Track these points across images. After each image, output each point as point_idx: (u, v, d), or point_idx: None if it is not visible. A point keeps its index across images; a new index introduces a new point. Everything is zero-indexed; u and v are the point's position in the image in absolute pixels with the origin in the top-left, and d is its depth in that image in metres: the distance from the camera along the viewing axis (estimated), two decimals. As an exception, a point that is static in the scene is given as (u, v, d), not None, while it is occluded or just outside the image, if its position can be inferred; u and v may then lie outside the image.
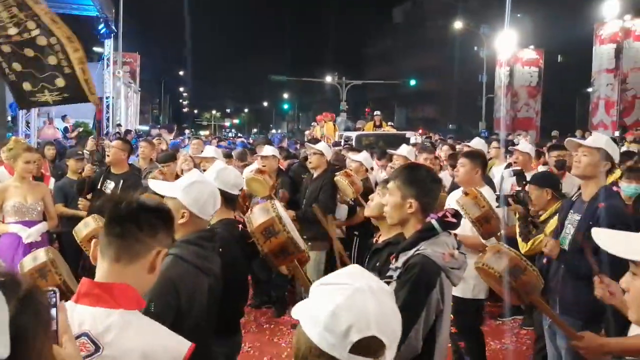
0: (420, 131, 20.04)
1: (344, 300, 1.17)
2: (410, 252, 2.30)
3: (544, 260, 3.51)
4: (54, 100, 5.77)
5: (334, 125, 18.23)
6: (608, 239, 1.47)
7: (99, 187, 5.58)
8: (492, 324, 5.87)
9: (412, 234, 2.39)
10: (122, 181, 5.48)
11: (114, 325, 1.52)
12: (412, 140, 11.21)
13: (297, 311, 1.26)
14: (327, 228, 4.36)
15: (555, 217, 3.77)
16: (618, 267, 2.72)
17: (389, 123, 19.51)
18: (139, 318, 1.60)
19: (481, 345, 4.47)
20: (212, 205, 2.56)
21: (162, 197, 2.81)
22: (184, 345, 1.63)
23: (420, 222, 2.40)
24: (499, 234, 3.75)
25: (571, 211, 3.44)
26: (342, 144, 12.42)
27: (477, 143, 6.78)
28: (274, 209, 2.83)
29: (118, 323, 1.53)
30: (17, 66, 5.56)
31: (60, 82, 5.61)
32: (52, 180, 6.68)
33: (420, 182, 2.44)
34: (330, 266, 5.80)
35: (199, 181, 2.55)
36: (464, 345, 4.45)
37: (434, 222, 2.33)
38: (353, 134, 15.22)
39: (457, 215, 2.40)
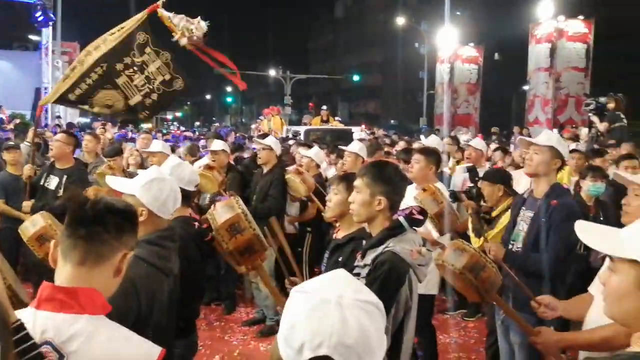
0: (363, 126, 20.15)
1: (302, 314, 1.09)
2: (379, 249, 2.29)
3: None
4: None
5: (281, 119, 18.13)
6: (589, 234, 1.49)
7: (41, 182, 5.28)
8: (440, 318, 5.99)
9: (380, 232, 2.37)
10: (65, 177, 5.20)
11: (80, 332, 1.44)
12: (356, 136, 11.29)
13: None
14: (279, 237, 4.18)
15: (508, 213, 3.86)
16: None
17: (336, 118, 19.44)
18: (107, 324, 1.53)
19: (433, 340, 4.54)
20: (172, 204, 2.48)
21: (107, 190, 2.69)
22: (155, 350, 1.57)
23: (388, 220, 2.39)
24: (455, 229, 3.81)
25: (523, 208, 3.53)
26: (290, 138, 12.37)
27: (432, 140, 6.86)
28: (239, 205, 2.75)
29: (85, 330, 1.45)
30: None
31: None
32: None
33: (389, 180, 2.44)
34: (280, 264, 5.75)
35: (158, 178, 2.46)
36: (417, 340, 4.50)
37: (401, 219, 2.33)
38: (301, 129, 15.25)
39: (422, 212, 2.40)
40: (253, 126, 20.34)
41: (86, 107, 5.02)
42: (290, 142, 10.26)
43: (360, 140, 8.31)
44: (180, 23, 4.76)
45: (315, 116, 19.01)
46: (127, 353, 1.50)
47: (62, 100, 5.01)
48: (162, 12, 4.82)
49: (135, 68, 4.90)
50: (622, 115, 9.67)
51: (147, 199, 2.36)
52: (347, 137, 8.31)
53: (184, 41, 4.78)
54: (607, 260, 1.47)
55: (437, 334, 4.75)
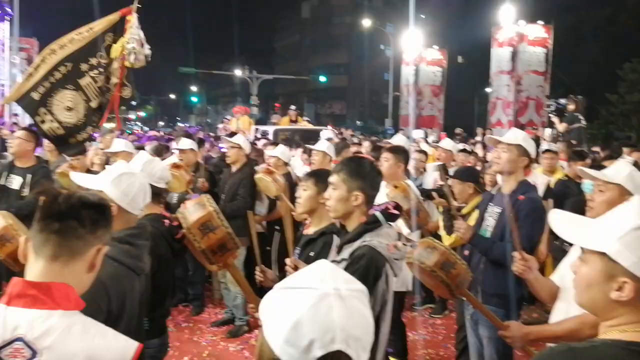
0: (329, 127, 20.20)
1: (306, 311, 1.06)
2: (356, 244, 2.31)
3: (465, 252, 3.66)
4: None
5: (250, 119, 18.01)
6: (562, 224, 1.53)
7: (1, 182, 5.11)
8: (409, 315, 6.06)
9: (356, 226, 2.39)
10: (30, 175, 5.03)
11: (54, 327, 1.40)
12: (324, 135, 11.31)
13: (262, 312, 1.14)
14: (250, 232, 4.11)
15: (471, 204, 3.94)
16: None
17: (305, 118, 19.38)
18: (82, 319, 1.48)
19: (403, 336, 4.59)
20: (142, 199, 2.44)
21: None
22: (132, 345, 1.53)
23: (364, 214, 2.41)
24: (425, 225, 3.86)
25: (491, 204, 3.61)
26: (259, 138, 12.30)
27: (399, 140, 6.93)
28: (210, 203, 2.72)
29: (59, 325, 1.41)
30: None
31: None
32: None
33: (366, 175, 2.46)
34: (251, 262, 5.72)
35: (127, 173, 2.42)
36: (388, 336, 4.54)
37: (377, 214, 2.35)
38: (270, 128, 15.16)
39: (398, 207, 2.43)
40: (220, 126, 20.08)
41: (38, 119, 4.84)
42: (261, 142, 10.21)
43: (329, 139, 8.34)
44: (133, 41, 4.71)
45: (282, 116, 18.95)
46: (103, 348, 1.46)
47: (25, 99, 4.82)
48: (133, 21, 4.74)
49: (100, 69, 4.80)
50: (581, 117, 9.97)
51: (116, 194, 2.31)
52: (316, 137, 8.33)
53: (117, 60, 4.75)
54: (579, 250, 1.51)
55: (406, 331, 4.80)
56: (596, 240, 1.41)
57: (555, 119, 10.59)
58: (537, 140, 10.98)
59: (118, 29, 4.82)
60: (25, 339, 1.37)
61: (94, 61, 4.77)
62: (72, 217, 1.50)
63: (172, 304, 6.14)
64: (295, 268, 2.54)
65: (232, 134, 7.75)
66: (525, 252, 3.30)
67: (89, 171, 5.46)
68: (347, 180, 2.45)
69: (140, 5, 4.79)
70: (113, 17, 4.78)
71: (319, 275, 1.12)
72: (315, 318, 1.05)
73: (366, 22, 36.80)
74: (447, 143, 6.80)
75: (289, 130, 15.16)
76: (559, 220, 1.55)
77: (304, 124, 17.25)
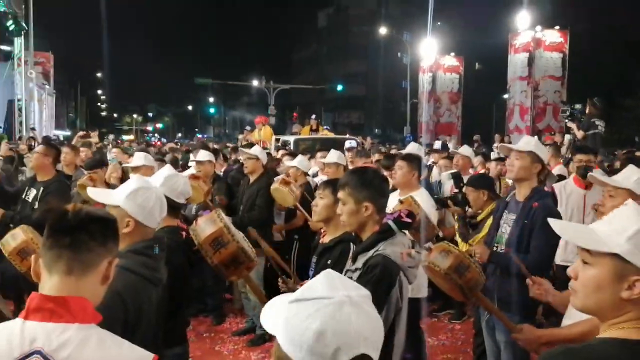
0: (348, 135, 20.15)
1: (328, 320, 1.10)
2: (370, 253, 2.34)
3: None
4: None
5: (271, 129, 17.74)
6: (570, 231, 1.56)
7: (22, 195, 5.24)
8: (428, 321, 6.05)
9: (370, 236, 2.42)
10: (42, 189, 5.12)
11: (71, 340, 1.43)
12: (348, 145, 11.27)
13: (273, 327, 1.18)
14: (262, 246, 4.18)
15: (492, 217, 3.95)
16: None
17: (325, 127, 19.23)
18: (98, 331, 1.51)
19: (421, 342, 4.60)
20: (158, 212, 2.46)
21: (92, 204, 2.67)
22: (147, 356, 1.56)
23: (377, 224, 2.44)
24: (434, 238, 3.88)
25: (506, 211, 3.62)
26: (280, 148, 12.20)
27: (412, 148, 6.96)
28: (221, 219, 2.75)
29: (76, 338, 1.44)
30: None
31: None
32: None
33: (371, 184, 2.49)
34: (270, 272, 5.77)
35: (143, 187, 2.43)
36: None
37: (390, 223, 2.38)
38: (291, 138, 15.04)
39: (410, 215, 2.46)
40: (240, 136, 19.97)
41: None
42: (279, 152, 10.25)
43: (352, 148, 8.42)
44: None
45: (300, 125, 18.78)
46: (119, 359, 1.49)
47: None
48: None
49: None
50: (598, 122, 9.82)
51: (133, 208, 2.33)
52: (336, 147, 8.29)
53: None
54: (579, 254, 1.54)
55: (424, 337, 4.81)
56: (606, 242, 1.43)
57: (573, 126, 10.49)
58: (559, 146, 10.90)
59: None
60: (43, 352, 1.40)
61: None
62: (83, 231, 1.53)
63: (191, 314, 6.22)
64: (288, 287, 2.59)
65: (250, 145, 7.80)
66: (546, 259, 3.33)
67: (107, 184, 5.57)
68: (353, 193, 2.49)
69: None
70: None
71: (330, 285, 1.16)
72: (338, 327, 1.10)
73: (383, 31, 36.87)
74: (465, 150, 6.78)
75: (309, 139, 14.91)
76: (563, 228, 1.59)
77: (325, 133, 17.03)
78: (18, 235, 3.25)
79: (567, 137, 11.90)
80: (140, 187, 2.42)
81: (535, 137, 3.75)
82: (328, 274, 1.21)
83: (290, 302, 1.16)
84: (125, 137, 43.92)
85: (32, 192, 5.19)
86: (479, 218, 4.29)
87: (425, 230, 3.80)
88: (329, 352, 1.09)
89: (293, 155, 7.75)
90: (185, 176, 3.93)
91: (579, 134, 9.99)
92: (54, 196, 4.98)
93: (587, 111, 10.24)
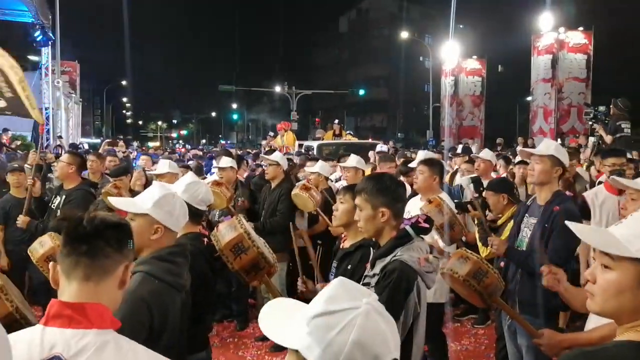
0: (370, 139, 20.05)
1: (362, 330, 1.12)
2: (388, 259, 2.36)
3: (501, 264, 3.66)
4: None
5: (294, 135, 17.63)
6: (592, 235, 1.57)
7: (50, 204, 5.37)
8: (451, 326, 6.03)
9: (387, 241, 2.44)
10: (64, 197, 5.21)
11: (88, 345, 1.46)
12: (378, 148, 11.20)
13: (295, 341, 1.18)
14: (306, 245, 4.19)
15: (512, 221, 3.93)
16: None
17: (349, 132, 18.99)
18: (116, 337, 1.54)
19: (444, 347, 4.59)
20: (183, 218, 2.52)
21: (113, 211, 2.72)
22: None
23: (395, 229, 2.46)
24: (462, 239, 3.88)
25: (527, 215, 3.61)
26: (303, 153, 12.14)
27: (423, 155, 6.89)
28: (241, 225, 2.79)
29: (93, 343, 1.47)
30: None
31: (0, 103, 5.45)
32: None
33: (387, 190, 2.51)
34: (291, 277, 5.81)
35: (169, 194, 2.48)
36: (427, 348, 4.55)
37: (408, 228, 2.40)
38: (314, 144, 14.92)
39: (428, 220, 2.48)
40: (263, 142, 19.92)
41: None
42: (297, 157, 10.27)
43: (381, 152, 8.43)
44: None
45: (323, 130, 18.60)
46: None
47: None
48: None
49: None
50: (624, 125, 9.64)
51: (162, 215, 2.38)
52: (360, 151, 8.19)
53: None
54: (596, 258, 1.54)
55: (447, 342, 4.79)
56: (627, 246, 1.43)
57: (601, 132, 10.31)
58: (578, 149, 10.76)
59: None
60: (62, 357, 1.43)
61: None
62: (99, 238, 1.57)
63: (217, 319, 6.29)
64: (308, 288, 2.62)
65: (271, 151, 7.88)
66: (564, 261, 3.31)
67: (132, 191, 5.66)
68: (370, 199, 2.51)
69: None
70: None
71: (350, 294, 1.19)
72: (372, 335, 1.13)
73: (404, 35, 36.80)
74: (486, 153, 6.71)
75: (332, 144, 14.77)
76: (587, 232, 1.59)
77: (348, 138, 16.86)
78: (46, 242, 3.34)
79: (592, 139, 11.73)
80: (166, 195, 2.47)
81: (556, 140, 3.72)
82: (341, 282, 1.23)
83: (315, 317, 1.16)
84: (150, 144, 44.50)
85: (57, 200, 5.30)
86: (499, 222, 4.28)
87: (453, 230, 3.80)
88: None
89: (315, 160, 7.79)
90: (206, 183, 3.98)
91: (608, 138, 9.82)
92: (74, 204, 5.05)
93: (611, 112, 10.08)
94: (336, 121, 17.61)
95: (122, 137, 19.10)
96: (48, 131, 19.04)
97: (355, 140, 16.95)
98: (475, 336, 5.92)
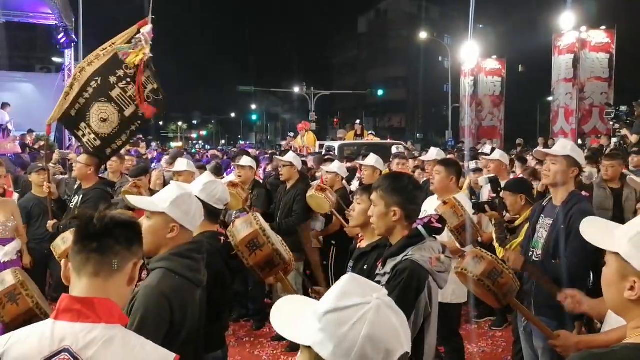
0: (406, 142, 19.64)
1: (373, 325, 1.14)
2: (399, 258, 2.37)
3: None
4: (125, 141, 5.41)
5: (314, 135, 17.28)
6: (589, 228, 1.60)
7: (69, 203, 5.45)
8: (468, 327, 6.00)
9: (399, 240, 2.45)
10: (82, 196, 5.29)
11: (96, 339, 1.51)
12: (394, 150, 11.11)
13: (307, 338, 1.20)
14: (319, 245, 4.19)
15: (524, 215, 3.92)
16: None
17: (370, 132, 18.40)
18: (123, 332, 1.59)
19: (461, 349, 4.57)
20: (199, 217, 2.55)
21: (133, 210, 2.77)
22: (169, 357, 1.62)
23: (407, 229, 2.46)
24: (477, 240, 3.85)
25: (542, 215, 3.58)
26: (325, 154, 11.84)
27: (434, 153, 6.84)
28: (257, 222, 2.83)
29: (101, 337, 1.52)
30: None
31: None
32: (16, 195, 6.52)
33: (403, 190, 2.51)
34: (307, 276, 5.84)
35: (185, 194, 2.52)
36: (444, 349, 4.53)
37: (420, 228, 2.40)
38: (335, 144, 14.68)
39: (441, 220, 2.47)
40: (283, 143, 19.73)
41: (80, 133, 5.14)
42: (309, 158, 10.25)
43: (399, 154, 8.42)
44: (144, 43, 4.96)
45: (347, 131, 18.13)
46: (142, 358, 1.56)
47: (66, 117, 5.14)
48: (147, 28, 5.00)
49: (128, 79, 5.05)
50: None
51: (178, 214, 2.42)
52: (381, 152, 8.15)
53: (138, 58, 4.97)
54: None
55: (464, 343, 4.77)
56: (611, 241, 1.49)
57: (626, 132, 10.18)
58: (601, 150, 10.61)
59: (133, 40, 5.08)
60: (70, 350, 1.49)
61: (120, 73, 5.05)
62: (108, 236, 1.62)
63: (233, 318, 6.34)
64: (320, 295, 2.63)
65: (285, 152, 7.90)
66: (582, 263, 3.28)
67: (151, 191, 5.74)
68: (385, 196, 2.52)
69: (154, 17, 5.07)
70: (131, 30, 5.06)
71: (360, 289, 1.21)
72: (384, 330, 1.15)
73: (423, 35, 36.58)
74: (496, 154, 6.62)
75: (355, 145, 14.50)
76: (590, 226, 1.61)
77: (370, 139, 16.49)
78: (68, 239, 3.41)
79: (614, 140, 11.58)
80: (183, 194, 2.50)
81: (577, 141, 3.69)
82: (352, 278, 1.24)
83: (327, 313, 1.17)
84: (173, 144, 44.84)
85: (76, 199, 5.38)
86: (516, 223, 4.24)
87: (467, 232, 3.78)
88: (380, 356, 1.14)
89: (330, 160, 7.81)
90: (223, 183, 4.02)
91: (633, 138, 9.69)
92: (91, 203, 5.12)
93: (635, 113, 9.95)
94: (357, 121, 17.31)
95: (142, 137, 19.23)
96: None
97: (377, 140, 16.62)
98: (493, 338, 5.88)
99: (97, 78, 5.01)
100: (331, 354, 1.15)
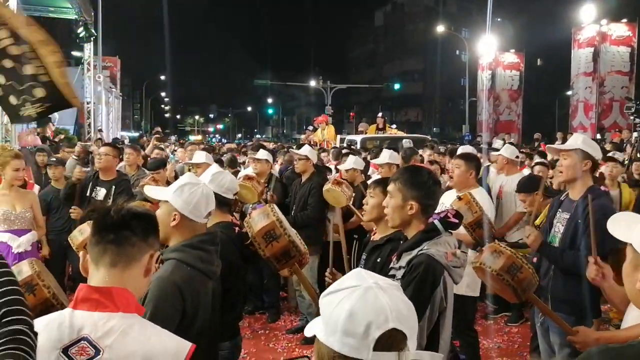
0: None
1: (357, 301, 1.17)
2: (414, 252, 2.36)
3: (534, 259, 3.59)
4: (38, 112, 5.27)
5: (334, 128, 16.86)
6: (615, 221, 1.61)
7: (87, 194, 5.47)
8: (484, 323, 5.97)
9: (415, 234, 2.44)
10: (114, 187, 5.38)
11: (114, 328, 1.54)
12: (406, 145, 10.97)
13: (311, 327, 1.26)
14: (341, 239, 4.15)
15: (544, 212, 3.88)
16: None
17: (393, 126, 17.96)
18: (140, 321, 1.62)
19: (475, 343, 4.54)
20: (204, 207, 2.49)
21: (153, 203, 2.80)
22: (185, 346, 1.64)
23: (423, 223, 2.45)
24: (492, 237, 3.81)
25: (560, 210, 3.54)
26: (345, 148, 11.53)
27: (467, 147, 6.81)
28: (274, 213, 2.84)
29: (119, 326, 1.55)
30: (1, 79, 5.14)
31: (39, 92, 5.15)
32: (37, 187, 6.60)
33: (421, 185, 2.49)
34: (323, 270, 5.83)
35: (190, 183, 2.52)
36: (459, 344, 4.51)
37: (436, 222, 2.39)
38: (357, 138, 14.35)
39: (458, 215, 2.46)
40: (302, 136, 19.43)
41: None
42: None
43: (409, 148, 8.37)
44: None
45: (362, 124, 17.70)
46: (159, 347, 1.58)
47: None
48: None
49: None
50: None
51: (179, 203, 2.43)
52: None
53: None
54: None
55: (480, 339, 4.74)
56: (628, 233, 1.50)
57: None
58: (621, 144, 10.47)
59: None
60: (89, 339, 1.51)
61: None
62: (125, 227, 1.65)
63: (249, 311, 6.37)
64: (334, 279, 2.61)
65: (300, 146, 7.89)
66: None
67: (169, 184, 5.78)
68: (402, 189, 2.50)
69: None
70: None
71: (358, 276, 1.25)
72: (366, 304, 1.17)
73: (440, 28, 36.31)
74: (505, 149, 6.53)
75: (377, 139, 14.12)
76: (616, 219, 1.63)
77: (393, 132, 15.94)
78: (85, 230, 3.44)
79: (635, 134, 11.40)
80: (187, 183, 2.51)
81: (596, 135, 3.63)
82: (357, 271, 1.29)
83: (323, 297, 1.24)
84: (191, 138, 45.12)
85: (102, 191, 5.43)
86: (537, 222, 4.16)
87: (481, 229, 3.75)
88: (360, 330, 1.15)
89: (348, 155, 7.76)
90: (231, 173, 4.05)
91: None
92: (124, 194, 5.29)
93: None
94: (380, 114, 16.80)
95: (160, 130, 19.38)
96: (89, 124, 19.55)
97: (401, 134, 16.04)
98: (509, 334, 5.83)
99: None
100: (324, 334, 1.20)
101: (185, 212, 2.43)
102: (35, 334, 1.36)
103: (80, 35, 17.72)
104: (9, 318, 1.33)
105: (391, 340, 1.16)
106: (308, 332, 1.26)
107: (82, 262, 1.72)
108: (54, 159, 6.71)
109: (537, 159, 7.44)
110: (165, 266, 2.36)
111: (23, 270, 2.45)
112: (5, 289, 1.38)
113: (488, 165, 7.54)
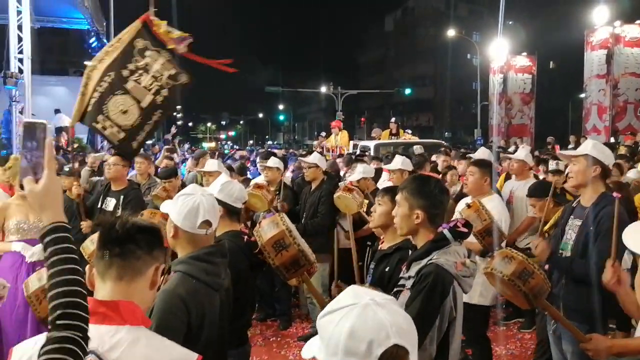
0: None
1: (356, 319, 1.16)
2: (423, 262, 2.35)
3: (546, 266, 3.56)
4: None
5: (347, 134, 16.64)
6: (630, 233, 1.59)
7: (99, 205, 5.45)
8: (496, 329, 5.92)
9: (424, 244, 2.43)
10: (122, 197, 5.36)
11: (121, 341, 1.54)
12: (417, 150, 10.82)
13: (309, 349, 1.25)
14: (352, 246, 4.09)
15: (553, 218, 3.84)
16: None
17: (408, 131, 17.29)
18: (147, 333, 1.63)
19: (488, 351, 4.50)
20: (194, 217, 2.41)
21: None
22: (192, 357, 1.65)
23: (431, 232, 2.44)
24: (501, 245, 3.78)
25: (571, 217, 3.50)
26: (358, 154, 11.49)
27: (482, 153, 6.75)
28: (283, 222, 2.85)
29: (126, 339, 1.55)
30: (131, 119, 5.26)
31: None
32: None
33: (428, 194, 2.48)
34: (333, 279, 5.81)
35: (184, 194, 2.49)
36: (471, 352, 4.48)
37: (445, 232, 2.38)
38: (371, 144, 14.04)
39: (467, 225, 2.44)
40: (315, 142, 18.91)
41: (99, 126, 5.15)
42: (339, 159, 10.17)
43: (420, 154, 8.35)
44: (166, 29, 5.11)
45: (376, 130, 17.08)
46: (166, 358, 1.59)
47: (84, 116, 5.19)
48: (155, 20, 5.13)
49: (140, 71, 5.12)
50: None
51: (173, 215, 2.44)
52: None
53: (181, 49, 5.13)
54: None
55: (492, 346, 4.70)
56: (638, 244, 1.50)
57: None
58: (635, 146, 10.37)
59: (145, 34, 5.20)
60: (96, 352, 1.51)
61: (131, 66, 5.12)
62: (130, 241, 1.67)
63: (260, 318, 6.37)
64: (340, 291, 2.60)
65: (309, 153, 7.87)
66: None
67: (180, 193, 5.79)
68: (409, 198, 2.49)
69: (156, 9, 5.17)
70: (136, 25, 5.19)
71: (354, 294, 1.24)
72: (366, 322, 1.16)
73: (451, 32, 36.20)
74: (520, 153, 6.46)
75: (390, 144, 13.77)
76: (633, 230, 1.61)
77: (408, 138, 15.46)
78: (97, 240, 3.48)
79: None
80: (182, 194, 2.50)
81: (610, 139, 3.59)
82: (352, 288, 1.28)
83: (320, 318, 1.23)
84: (205, 145, 45.21)
85: (112, 202, 5.42)
86: (545, 228, 4.13)
87: (491, 236, 3.72)
88: (363, 348, 1.14)
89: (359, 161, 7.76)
90: (239, 182, 4.06)
91: None
92: (134, 204, 5.24)
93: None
94: (393, 119, 16.54)
95: (172, 138, 19.47)
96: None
97: (415, 139, 15.57)
98: (522, 341, 5.78)
99: (110, 73, 5.09)
100: (325, 356, 1.19)
101: (178, 223, 2.42)
102: (87, 339, 1.36)
103: (92, 45, 17.91)
104: (64, 322, 1.33)
105: (394, 357, 1.15)
106: (306, 354, 1.24)
107: (89, 276, 1.72)
108: (67, 170, 6.74)
109: (552, 163, 7.35)
110: (171, 279, 2.36)
111: (44, 277, 2.38)
112: (66, 278, 1.37)
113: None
